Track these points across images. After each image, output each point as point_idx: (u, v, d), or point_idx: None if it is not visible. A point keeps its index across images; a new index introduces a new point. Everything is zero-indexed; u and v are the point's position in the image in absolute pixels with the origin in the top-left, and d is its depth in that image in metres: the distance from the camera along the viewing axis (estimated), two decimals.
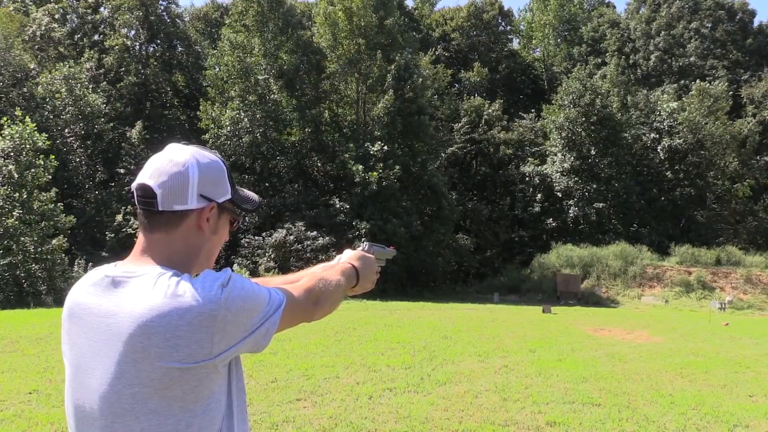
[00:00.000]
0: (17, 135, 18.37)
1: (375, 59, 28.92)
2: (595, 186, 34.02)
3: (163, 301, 1.15)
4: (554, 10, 50.16)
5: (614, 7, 53.62)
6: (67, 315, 1.28)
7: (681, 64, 42.75)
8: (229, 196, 1.31)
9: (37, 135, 18.91)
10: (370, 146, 26.95)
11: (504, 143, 37.96)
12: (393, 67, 28.07)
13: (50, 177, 19.50)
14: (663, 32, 43.76)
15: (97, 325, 1.21)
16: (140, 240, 1.29)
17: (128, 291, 1.20)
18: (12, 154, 18.36)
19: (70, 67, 29.63)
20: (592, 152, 34.68)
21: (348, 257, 1.63)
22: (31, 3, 37.98)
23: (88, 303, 1.24)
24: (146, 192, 1.23)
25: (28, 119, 19.28)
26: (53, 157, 19.45)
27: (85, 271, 19.67)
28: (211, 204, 1.28)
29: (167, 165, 1.24)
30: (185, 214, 1.25)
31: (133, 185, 1.27)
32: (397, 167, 26.17)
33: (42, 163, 18.93)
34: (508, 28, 52.62)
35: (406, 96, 27.81)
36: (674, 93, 37.56)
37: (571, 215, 34.00)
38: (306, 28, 35.50)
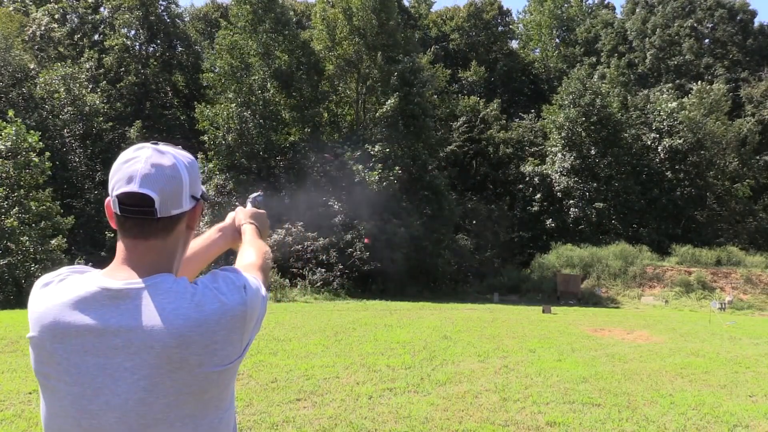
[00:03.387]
0: (13, 135, 18.39)
1: (375, 60, 28.91)
2: (595, 186, 34.03)
3: (196, 310, 1.17)
4: (550, 10, 50.30)
5: (613, 8, 53.67)
6: (51, 336, 1.18)
7: (677, 62, 42.79)
8: (202, 190, 1.34)
9: (31, 134, 18.92)
10: (371, 147, 26.94)
11: (503, 143, 37.97)
12: (399, 68, 28.11)
13: (47, 177, 19.50)
14: (659, 30, 43.80)
15: (109, 342, 1.16)
16: (127, 247, 1.24)
17: (146, 303, 1.17)
18: (10, 154, 18.39)
19: (68, 66, 29.65)
20: (592, 152, 34.69)
21: (245, 217, 1.70)
22: (31, 3, 37.99)
23: (84, 320, 1.17)
24: (141, 201, 1.19)
25: (18, 120, 19.30)
26: (48, 155, 19.46)
27: None
28: (199, 202, 1.30)
29: (158, 170, 1.21)
30: (179, 216, 1.26)
31: (116, 194, 1.20)
32: (397, 168, 26.17)
33: (37, 162, 18.94)
34: (508, 28, 52.67)
35: (413, 100, 27.89)
36: (672, 92, 37.59)
37: (571, 215, 34.00)
38: (305, 28, 35.47)
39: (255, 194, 1.83)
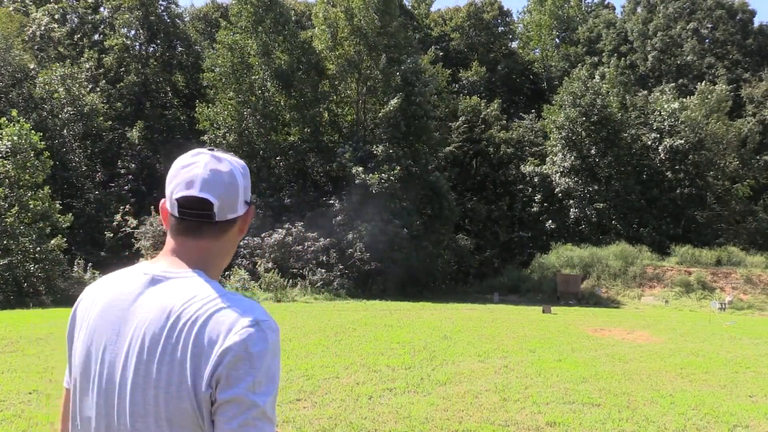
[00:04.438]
0: (16, 135, 18.41)
1: (377, 61, 28.95)
2: (595, 186, 34.02)
3: (204, 307, 1.19)
4: (550, 11, 50.30)
5: (613, 8, 53.63)
6: (99, 312, 1.27)
7: (679, 62, 42.79)
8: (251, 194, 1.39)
9: (33, 135, 18.95)
10: (372, 147, 26.97)
11: (504, 143, 37.95)
12: (402, 68, 28.18)
13: (46, 176, 19.49)
14: (660, 32, 43.81)
15: (132, 324, 1.22)
16: (178, 243, 1.29)
17: (169, 290, 1.23)
18: (10, 154, 18.39)
19: (67, 67, 29.63)
20: (592, 152, 34.68)
21: None
22: (31, 3, 37.96)
23: (124, 301, 1.25)
24: (201, 205, 1.24)
25: (22, 120, 19.37)
26: (47, 154, 19.47)
27: (85, 271, 19.75)
28: (251, 206, 1.36)
29: (217, 176, 1.26)
30: (234, 221, 1.31)
31: (176, 197, 1.25)
32: (398, 168, 26.18)
33: (37, 161, 18.95)
34: (508, 28, 52.67)
35: (416, 100, 27.98)
36: (673, 93, 37.56)
37: (571, 215, 33.99)
38: (305, 28, 35.43)
39: None
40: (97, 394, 1.23)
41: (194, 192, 1.24)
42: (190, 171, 1.26)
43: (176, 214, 1.27)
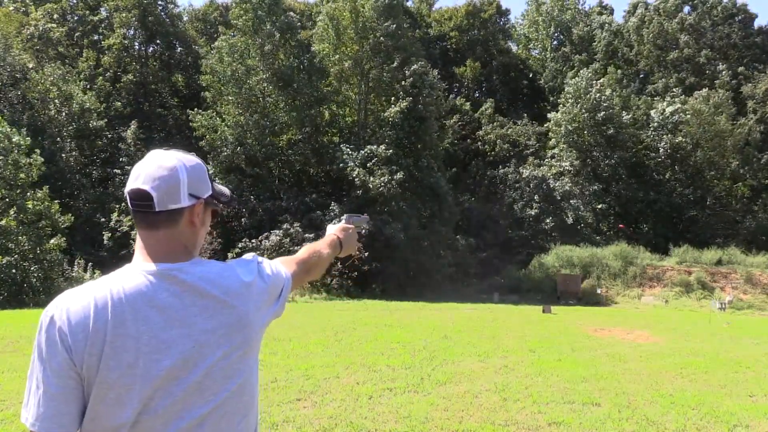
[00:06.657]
0: (3, 135, 18.41)
1: (380, 62, 28.93)
2: (595, 187, 34.01)
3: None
4: (548, 12, 50.31)
5: (612, 10, 53.58)
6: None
7: (678, 62, 42.74)
8: (210, 192, 1.45)
9: (17, 134, 18.93)
10: (374, 149, 26.95)
11: (503, 142, 37.93)
12: (413, 69, 28.25)
13: (41, 172, 19.47)
14: (659, 30, 43.75)
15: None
16: (143, 237, 1.38)
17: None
18: (1, 154, 18.37)
19: (61, 68, 29.58)
20: (593, 153, 34.69)
21: (334, 230, 2.04)
22: (30, 3, 37.90)
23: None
24: (142, 196, 1.33)
25: (3, 120, 19.40)
26: (38, 151, 19.46)
27: (85, 271, 19.68)
28: (199, 201, 1.42)
29: (158, 170, 1.35)
30: (180, 212, 1.37)
31: (127, 191, 1.36)
32: (401, 174, 26.17)
33: (30, 161, 18.93)
34: (506, 26, 52.68)
35: (425, 99, 28.04)
36: (674, 91, 37.51)
37: (571, 216, 33.98)
38: (306, 28, 35.37)
39: (354, 215, 2.17)
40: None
41: (137, 184, 1.34)
42: (139, 166, 1.38)
43: (130, 207, 1.37)
